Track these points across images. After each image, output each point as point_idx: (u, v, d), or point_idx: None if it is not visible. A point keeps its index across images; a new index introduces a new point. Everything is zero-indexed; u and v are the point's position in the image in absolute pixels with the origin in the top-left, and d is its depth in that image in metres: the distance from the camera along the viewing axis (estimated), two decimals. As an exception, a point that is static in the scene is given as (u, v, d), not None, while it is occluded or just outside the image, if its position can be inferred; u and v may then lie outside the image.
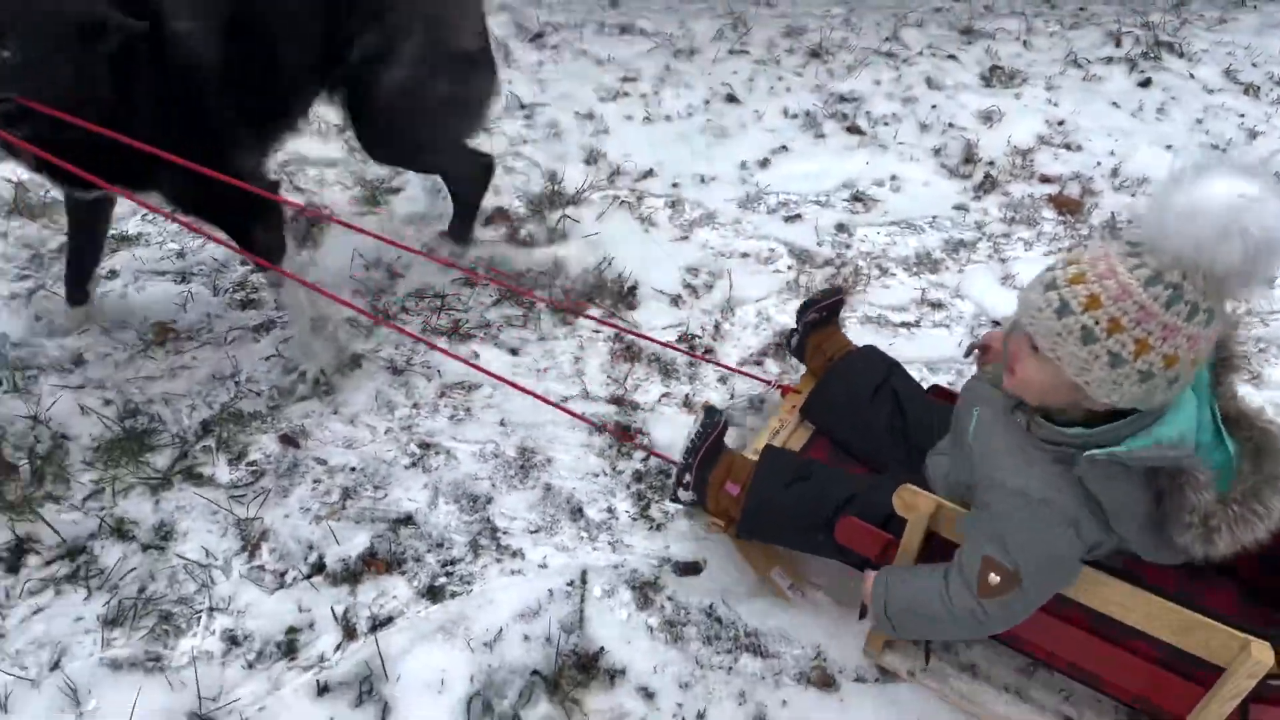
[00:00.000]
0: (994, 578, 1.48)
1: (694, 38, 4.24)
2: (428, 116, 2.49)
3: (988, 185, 3.37)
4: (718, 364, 2.51)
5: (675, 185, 3.31)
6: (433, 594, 1.98)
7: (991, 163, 3.47)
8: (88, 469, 2.17)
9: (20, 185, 2.93)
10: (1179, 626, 1.48)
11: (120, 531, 2.05)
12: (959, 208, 3.28)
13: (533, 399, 2.20)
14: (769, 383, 2.40)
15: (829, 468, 1.90)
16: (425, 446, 2.30)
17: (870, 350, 2.15)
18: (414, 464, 2.25)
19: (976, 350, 1.83)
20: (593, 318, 2.64)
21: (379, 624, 1.92)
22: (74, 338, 2.50)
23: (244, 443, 2.27)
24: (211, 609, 1.93)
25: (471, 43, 2.49)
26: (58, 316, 2.53)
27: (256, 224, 2.23)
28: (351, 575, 2.00)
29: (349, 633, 1.90)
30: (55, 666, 1.81)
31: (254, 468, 2.22)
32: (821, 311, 2.20)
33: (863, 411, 2.01)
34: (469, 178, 2.77)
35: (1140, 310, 1.29)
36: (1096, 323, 1.31)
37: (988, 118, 3.71)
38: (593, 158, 3.42)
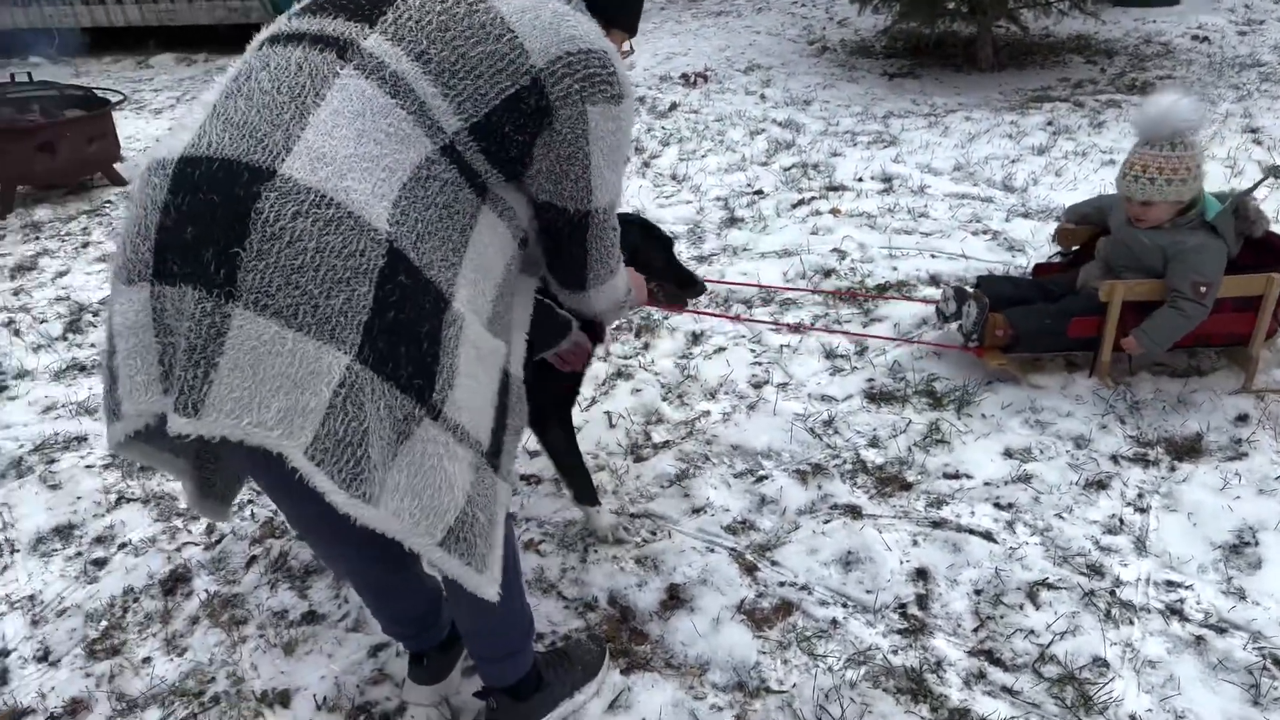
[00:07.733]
0: (1202, 289, 2.91)
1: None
2: None
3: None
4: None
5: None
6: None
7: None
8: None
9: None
10: (1249, 285, 2.96)
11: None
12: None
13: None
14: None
15: (1047, 306, 3.26)
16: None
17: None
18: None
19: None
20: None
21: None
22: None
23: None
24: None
25: None
26: None
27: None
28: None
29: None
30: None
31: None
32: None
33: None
34: None
35: (1165, 160, 2.91)
36: (1169, 177, 2.91)
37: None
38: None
